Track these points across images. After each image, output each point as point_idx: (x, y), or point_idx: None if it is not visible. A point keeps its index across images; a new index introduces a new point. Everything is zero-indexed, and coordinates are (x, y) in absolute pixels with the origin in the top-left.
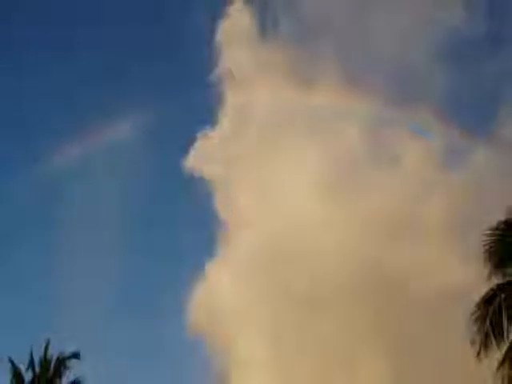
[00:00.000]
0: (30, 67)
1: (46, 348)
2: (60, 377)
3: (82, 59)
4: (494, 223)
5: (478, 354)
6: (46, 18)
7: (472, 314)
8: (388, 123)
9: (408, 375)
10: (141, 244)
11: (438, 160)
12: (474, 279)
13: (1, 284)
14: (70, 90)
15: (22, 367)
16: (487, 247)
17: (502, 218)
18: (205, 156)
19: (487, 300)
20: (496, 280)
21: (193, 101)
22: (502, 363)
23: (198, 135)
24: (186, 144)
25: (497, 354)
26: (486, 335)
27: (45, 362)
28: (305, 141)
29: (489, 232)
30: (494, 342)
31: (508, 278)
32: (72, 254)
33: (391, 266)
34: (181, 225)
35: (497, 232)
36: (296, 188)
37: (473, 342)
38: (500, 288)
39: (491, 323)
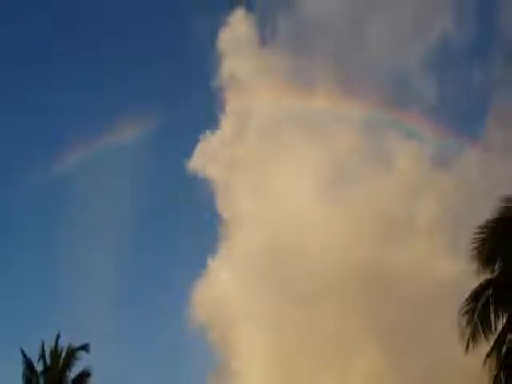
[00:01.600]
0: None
1: (57, 341)
2: (69, 368)
3: (91, 64)
4: (482, 222)
5: (467, 346)
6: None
7: (462, 309)
8: (382, 126)
9: (402, 365)
10: (146, 242)
11: (429, 162)
12: (464, 275)
13: (13, 281)
14: (76, 94)
15: (34, 359)
16: (476, 245)
17: (490, 217)
18: (207, 157)
19: (476, 295)
20: (484, 276)
21: (196, 105)
22: (489, 354)
23: (201, 138)
24: (189, 146)
25: (485, 345)
26: (475, 328)
27: (55, 353)
28: (303, 143)
29: (477, 231)
30: (482, 335)
31: (495, 274)
32: (81, 250)
33: (386, 263)
34: (184, 223)
35: (485, 231)
36: (295, 188)
37: (462, 335)
38: (488, 283)
39: (479, 317)
